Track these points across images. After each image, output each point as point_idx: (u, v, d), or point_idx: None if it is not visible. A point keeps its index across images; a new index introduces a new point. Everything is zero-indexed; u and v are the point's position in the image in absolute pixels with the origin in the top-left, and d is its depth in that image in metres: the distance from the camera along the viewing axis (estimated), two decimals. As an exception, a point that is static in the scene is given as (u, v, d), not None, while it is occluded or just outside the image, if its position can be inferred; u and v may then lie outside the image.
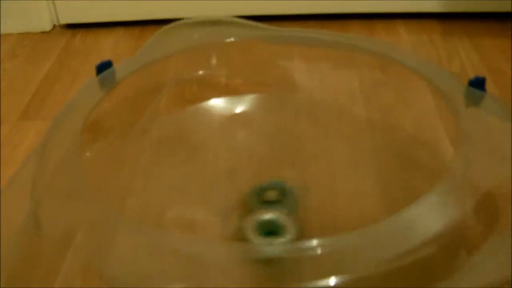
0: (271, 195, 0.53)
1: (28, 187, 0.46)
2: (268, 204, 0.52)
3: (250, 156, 0.61)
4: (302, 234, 0.48)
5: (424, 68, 0.58)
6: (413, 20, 0.90)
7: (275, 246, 0.41)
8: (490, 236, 0.41)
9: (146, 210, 0.54)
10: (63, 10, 0.93)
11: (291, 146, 0.62)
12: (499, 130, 0.48)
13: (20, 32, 0.94)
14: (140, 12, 0.92)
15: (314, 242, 0.37)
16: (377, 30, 0.88)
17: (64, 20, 0.94)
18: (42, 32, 0.94)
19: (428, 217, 0.40)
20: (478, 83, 0.53)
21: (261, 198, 0.53)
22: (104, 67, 0.60)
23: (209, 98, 0.70)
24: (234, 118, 0.67)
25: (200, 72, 0.74)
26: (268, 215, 0.50)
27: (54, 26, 0.96)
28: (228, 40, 0.67)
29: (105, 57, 0.82)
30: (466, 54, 0.79)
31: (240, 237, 0.49)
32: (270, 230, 0.49)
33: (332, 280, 0.35)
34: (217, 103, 0.69)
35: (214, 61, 0.75)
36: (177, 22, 0.69)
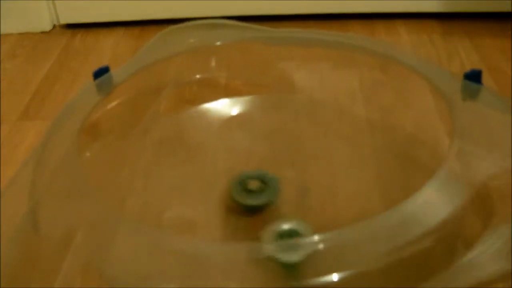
0: (253, 184, 0.55)
1: (28, 187, 0.46)
2: (251, 193, 0.54)
3: (250, 157, 0.61)
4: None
5: (424, 68, 0.58)
6: (413, 20, 0.90)
7: (273, 245, 0.41)
8: (487, 230, 0.41)
9: (146, 210, 0.54)
10: (63, 10, 0.93)
11: (291, 146, 0.62)
12: (497, 123, 0.48)
13: (20, 32, 0.94)
14: (140, 12, 0.92)
15: (314, 237, 0.37)
16: (377, 30, 0.88)
17: (64, 20, 0.94)
18: (42, 32, 0.94)
19: (426, 210, 0.40)
20: (474, 76, 0.53)
21: (243, 187, 0.55)
22: (101, 73, 0.59)
23: (209, 99, 0.70)
24: (234, 119, 0.68)
25: (200, 74, 0.74)
26: (286, 225, 0.50)
27: (54, 26, 0.96)
28: (226, 42, 0.67)
29: (105, 57, 0.83)
30: (466, 54, 0.79)
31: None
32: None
33: (332, 277, 0.35)
34: (217, 104, 0.69)
35: (213, 62, 0.75)
36: (177, 25, 0.69)
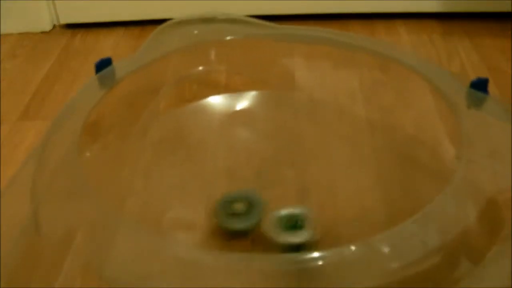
0: (238, 207, 0.52)
1: (28, 187, 0.46)
2: (236, 216, 0.51)
3: (250, 155, 0.61)
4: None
5: (424, 68, 0.58)
6: (413, 20, 0.90)
7: (275, 258, 0.41)
8: (493, 243, 0.41)
9: (146, 210, 0.54)
10: (63, 10, 0.93)
11: (291, 146, 0.62)
12: (502, 133, 0.48)
13: (20, 32, 0.94)
14: (140, 12, 0.92)
15: (316, 254, 0.37)
16: (377, 30, 0.88)
17: (64, 20, 0.94)
18: (42, 32, 0.94)
19: (432, 227, 0.39)
20: (480, 85, 0.53)
21: (228, 210, 0.52)
22: (103, 64, 0.59)
23: (209, 96, 0.70)
24: (234, 117, 0.67)
25: (200, 70, 0.74)
26: (286, 211, 0.50)
27: (54, 26, 0.96)
28: (227, 38, 0.66)
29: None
30: (466, 54, 0.79)
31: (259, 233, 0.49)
32: (291, 224, 0.49)
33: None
34: (217, 101, 0.69)
35: (213, 59, 0.75)
36: (175, 20, 0.69)
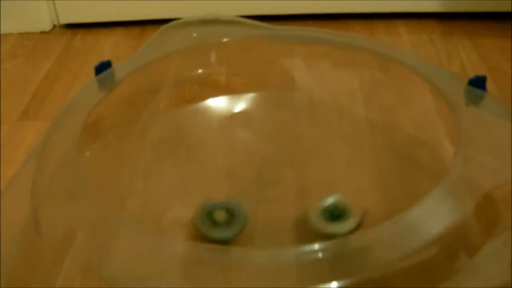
0: (220, 215, 0.50)
1: (28, 187, 0.46)
2: (217, 225, 0.50)
3: (250, 155, 0.61)
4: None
5: (424, 68, 0.58)
6: (413, 20, 0.90)
7: (272, 252, 0.41)
8: (490, 238, 0.41)
9: (146, 210, 0.54)
10: (63, 10, 0.93)
11: (291, 146, 0.62)
12: (500, 130, 0.48)
13: (20, 32, 0.94)
14: (140, 12, 0.92)
15: (315, 246, 0.37)
16: (377, 30, 0.88)
17: (64, 20, 0.94)
18: (42, 32, 0.94)
19: (429, 219, 0.40)
20: (478, 82, 0.53)
21: (210, 219, 0.50)
22: (103, 67, 0.60)
23: (209, 97, 0.70)
24: (234, 117, 0.67)
25: (200, 71, 0.74)
26: (330, 199, 0.50)
27: (54, 26, 0.96)
28: (227, 39, 0.67)
29: (105, 57, 0.82)
30: (466, 54, 0.79)
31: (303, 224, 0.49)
32: (335, 214, 0.50)
33: (333, 284, 0.35)
34: (217, 102, 0.69)
35: (214, 60, 0.75)
36: (177, 21, 0.69)
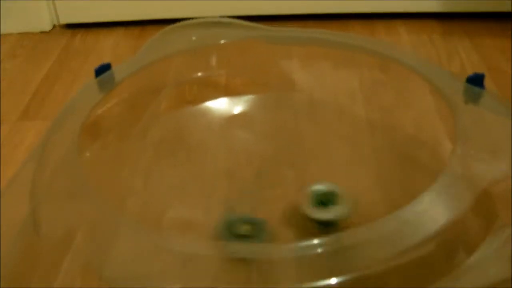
0: (244, 229, 0.50)
1: (28, 187, 0.46)
2: (240, 237, 0.49)
3: (250, 156, 0.61)
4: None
5: (424, 68, 0.58)
6: (413, 20, 0.90)
7: (270, 247, 0.41)
8: (488, 235, 0.41)
9: (146, 210, 0.54)
10: (63, 10, 0.93)
11: (291, 146, 0.62)
12: (498, 127, 0.48)
13: (20, 32, 0.94)
14: (140, 12, 0.92)
15: (314, 241, 0.37)
16: (377, 30, 0.88)
17: (64, 20, 0.94)
18: (42, 32, 0.94)
19: (428, 215, 0.40)
20: (476, 80, 0.53)
21: (232, 231, 0.50)
22: (102, 70, 0.60)
23: (209, 98, 0.70)
24: (234, 118, 0.67)
25: (200, 73, 0.74)
26: (321, 186, 0.51)
27: (54, 26, 0.96)
28: (227, 41, 0.67)
29: (105, 57, 0.83)
30: (466, 54, 0.79)
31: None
32: (325, 200, 0.51)
33: (332, 280, 0.35)
34: (217, 104, 0.69)
35: (214, 61, 0.75)
36: (177, 24, 0.69)
